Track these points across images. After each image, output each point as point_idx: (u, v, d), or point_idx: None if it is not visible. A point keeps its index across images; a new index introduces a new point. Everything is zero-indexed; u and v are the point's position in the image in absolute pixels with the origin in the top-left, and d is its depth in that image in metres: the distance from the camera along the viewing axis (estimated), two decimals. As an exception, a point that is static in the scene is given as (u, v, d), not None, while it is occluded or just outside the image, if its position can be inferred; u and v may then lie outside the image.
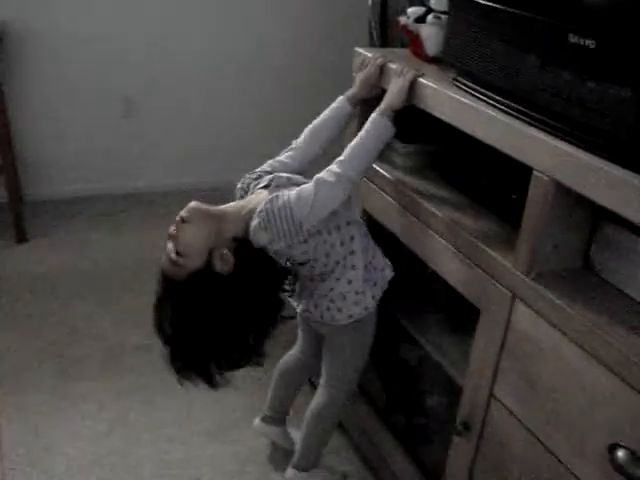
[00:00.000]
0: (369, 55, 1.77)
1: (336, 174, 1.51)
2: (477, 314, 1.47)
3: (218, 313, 1.55)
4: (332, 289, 1.68)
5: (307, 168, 1.72)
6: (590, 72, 1.15)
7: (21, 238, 3.33)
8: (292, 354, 2.08)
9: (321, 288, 1.69)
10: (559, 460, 1.28)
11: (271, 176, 1.62)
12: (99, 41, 3.59)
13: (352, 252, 1.65)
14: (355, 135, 1.58)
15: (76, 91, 3.67)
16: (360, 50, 1.82)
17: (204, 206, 1.57)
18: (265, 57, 3.98)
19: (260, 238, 1.53)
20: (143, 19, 3.66)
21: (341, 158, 1.54)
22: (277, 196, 1.51)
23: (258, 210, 1.52)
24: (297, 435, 2.11)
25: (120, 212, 3.75)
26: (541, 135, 1.24)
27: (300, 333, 2.03)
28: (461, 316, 1.67)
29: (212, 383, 1.65)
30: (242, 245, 1.54)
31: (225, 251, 1.52)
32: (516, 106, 1.33)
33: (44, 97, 3.62)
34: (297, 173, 1.68)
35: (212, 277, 1.53)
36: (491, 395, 1.46)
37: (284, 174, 1.63)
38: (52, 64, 3.57)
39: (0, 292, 2.93)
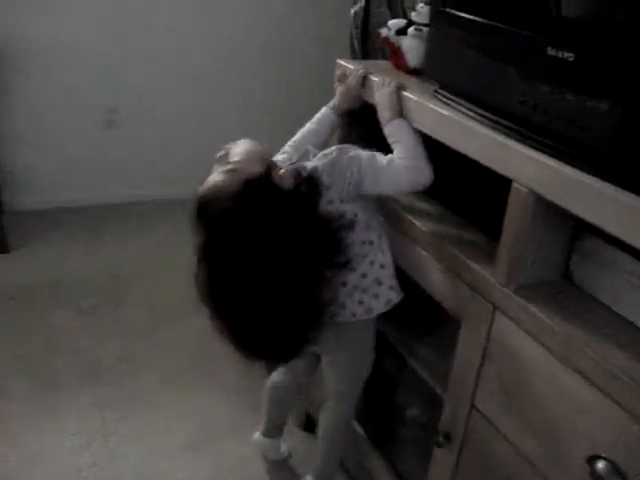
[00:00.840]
0: (350, 67, 1.77)
1: (413, 162, 1.50)
2: (458, 326, 1.47)
3: (283, 240, 1.37)
4: (365, 275, 1.61)
5: None
6: (569, 85, 1.15)
7: (2, 249, 3.30)
8: (281, 373, 2.00)
9: (352, 279, 1.61)
10: (540, 471, 1.29)
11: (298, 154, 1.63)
12: (82, 52, 3.58)
13: (381, 236, 1.62)
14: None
15: (58, 102, 3.65)
16: (341, 62, 1.82)
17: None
18: (248, 65, 4.00)
19: (324, 176, 1.49)
20: (126, 30, 3.65)
21: (402, 157, 1.52)
22: (346, 147, 1.53)
23: (327, 152, 1.52)
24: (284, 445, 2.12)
25: (102, 222, 3.73)
26: (520, 147, 1.24)
27: None
28: (442, 328, 1.67)
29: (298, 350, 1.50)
30: (300, 176, 1.48)
31: (283, 170, 1.45)
32: (496, 118, 1.33)
33: (25, 107, 3.60)
34: None
35: (272, 188, 1.41)
36: (472, 406, 1.46)
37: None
38: (34, 75, 3.55)
39: (-21, 303, 2.90)
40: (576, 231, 1.31)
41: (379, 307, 1.66)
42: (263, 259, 1.36)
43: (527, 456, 1.31)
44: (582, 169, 1.13)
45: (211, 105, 3.98)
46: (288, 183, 1.43)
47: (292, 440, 2.24)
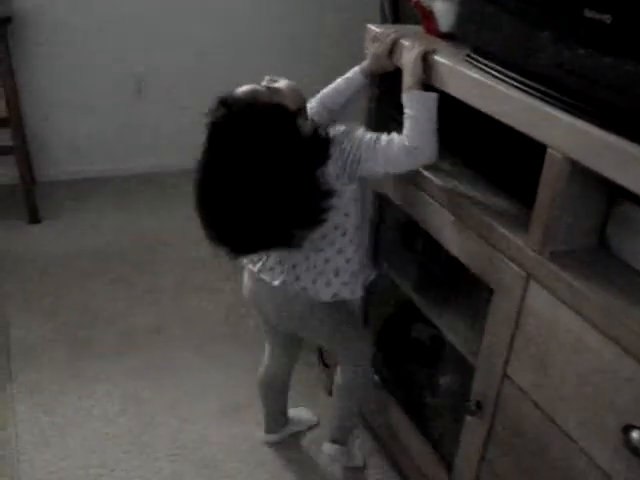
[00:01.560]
0: (381, 31, 1.74)
1: (417, 142, 1.52)
2: (491, 294, 1.46)
3: (276, 162, 1.47)
4: (328, 261, 1.68)
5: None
6: (606, 48, 1.12)
7: (34, 219, 3.34)
8: (266, 365, 2.08)
9: (314, 259, 1.67)
10: (573, 440, 1.28)
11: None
12: (111, 21, 3.58)
13: (357, 230, 1.67)
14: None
15: (88, 71, 3.65)
16: (372, 27, 1.80)
17: None
18: (281, 29, 3.96)
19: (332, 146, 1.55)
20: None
21: (409, 136, 1.53)
22: (352, 127, 1.59)
23: (337, 126, 1.59)
24: (301, 413, 2.20)
25: (132, 192, 3.76)
26: (555, 112, 1.21)
27: (269, 342, 2.03)
28: (475, 296, 1.65)
29: (291, 242, 1.56)
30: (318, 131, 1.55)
31: (309, 120, 1.56)
32: (530, 83, 1.30)
33: (56, 77, 3.61)
34: None
35: (292, 125, 1.50)
36: (504, 375, 1.45)
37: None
38: (64, 45, 3.55)
39: (14, 273, 2.94)
40: (612, 197, 1.28)
41: (325, 295, 1.72)
42: (257, 166, 1.46)
43: (560, 426, 1.30)
44: (619, 134, 1.10)
45: (243, 71, 3.95)
46: (307, 131, 1.51)
47: (320, 407, 2.28)
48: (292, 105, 1.51)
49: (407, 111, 1.54)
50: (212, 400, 2.36)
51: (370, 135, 1.56)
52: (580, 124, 1.16)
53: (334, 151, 1.54)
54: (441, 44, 1.67)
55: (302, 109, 1.55)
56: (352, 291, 1.74)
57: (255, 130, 1.45)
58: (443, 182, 1.61)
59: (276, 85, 1.54)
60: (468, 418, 1.61)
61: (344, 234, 1.66)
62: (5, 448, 2.09)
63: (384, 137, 1.55)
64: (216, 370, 2.48)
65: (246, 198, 1.47)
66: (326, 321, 1.80)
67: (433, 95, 1.52)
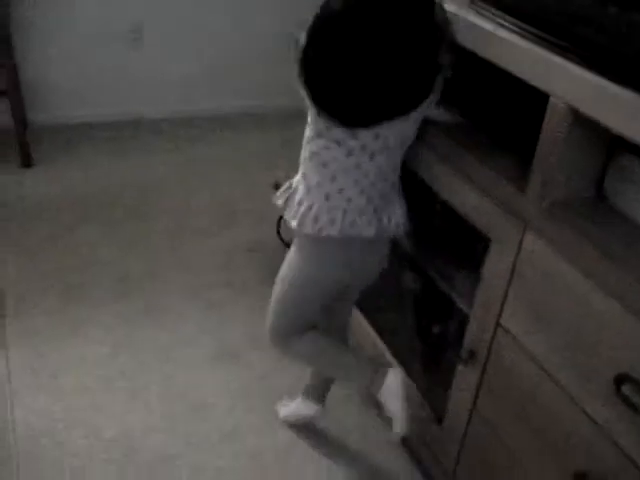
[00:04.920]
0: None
1: None
2: (487, 245, 1.46)
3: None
4: (394, 186, 1.59)
5: None
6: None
7: (26, 163, 3.31)
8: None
9: (384, 188, 1.57)
10: (564, 390, 1.29)
11: None
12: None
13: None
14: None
15: (83, 15, 3.59)
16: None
17: None
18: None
19: None
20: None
21: None
22: None
23: None
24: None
25: (126, 138, 3.72)
26: (560, 60, 1.20)
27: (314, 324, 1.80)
28: (471, 247, 1.66)
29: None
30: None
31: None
32: (535, 30, 1.28)
33: (50, 21, 3.54)
34: None
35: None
36: (498, 324, 1.46)
37: None
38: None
39: (6, 217, 2.92)
40: (612, 148, 1.28)
41: (399, 229, 1.63)
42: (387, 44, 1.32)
43: (552, 375, 1.32)
44: (623, 84, 1.09)
45: (241, 16, 3.90)
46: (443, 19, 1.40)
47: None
48: None
49: None
50: (205, 346, 2.37)
51: None
52: (584, 73, 1.15)
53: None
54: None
55: None
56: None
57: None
58: (439, 132, 1.60)
59: None
60: (460, 368, 1.62)
61: (393, 185, 1.58)
62: (-1, 392, 2.11)
63: None
64: (209, 316, 2.49)
65: (373, 68, 1.34)
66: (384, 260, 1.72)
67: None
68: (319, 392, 2.02)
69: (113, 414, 2.07)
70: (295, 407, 2.07)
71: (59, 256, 2.73)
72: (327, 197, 1.51)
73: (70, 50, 3.65)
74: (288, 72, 1.68)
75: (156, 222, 3.01)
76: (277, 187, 1.65)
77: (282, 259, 1.71)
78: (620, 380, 1.15)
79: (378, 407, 1.89)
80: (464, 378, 1.62)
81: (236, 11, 3.87)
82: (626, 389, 1.14)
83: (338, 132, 1.44)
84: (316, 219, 1.53)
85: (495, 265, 1.44)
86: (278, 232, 2.79)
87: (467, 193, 1.50)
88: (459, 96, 1.73)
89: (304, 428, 2.08)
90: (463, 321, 1.62)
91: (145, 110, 3.91)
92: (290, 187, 1.61)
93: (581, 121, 1.19)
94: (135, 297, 2.55)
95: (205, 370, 2.27)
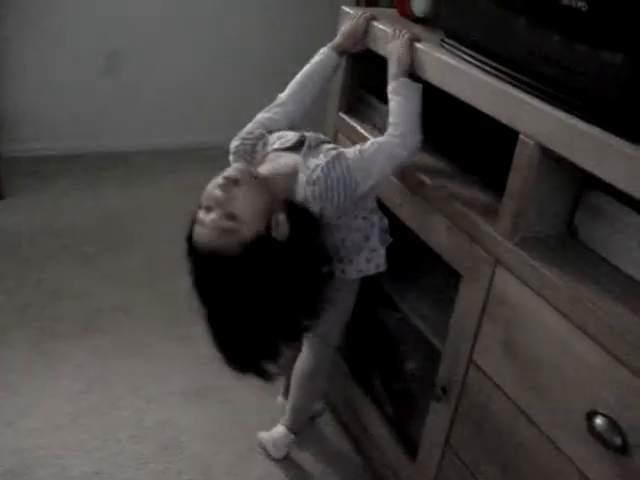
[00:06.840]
0: (354, 12, 1.74)
1: (400, 134, 1.47)
2: (459, 280, 1.46)
3: (275, 286, 1.38)
4: (344, 240, 1.62)
5: (297, 123, 1.66)
6: (581, 35, 1.13)
7: (-2, 195, 3.28)
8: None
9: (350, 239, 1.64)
10: (537, 427, 1.29)
11: (297, 136, 1.53)
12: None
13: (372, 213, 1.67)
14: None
15: (58, 45, 3.58)
16: (346, 8, 1.79)
17: (251, 167, 1.47)
18: (258, 9, 3.92)
19: (314, 205, 1.43)
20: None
21: (393, 123, 1.49)
22: (334, 162, 1.43)
23: (312, 176, 1.42)
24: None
25: (100, 171, 3.69)
26: (529, 99, 1.22)
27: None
28: (443, 282, 1.66)
29: (266, 376, 1.53)
30: (295, 209, 1.41)
31: (282, 216, 1.37)
32: (505, 69, 1.31)
33: (24, 50, 3.53)
34: (287, 129, 1.61)
35: (269, 245, 1.36)
36: (470, 360, 1.46)
37: (313, 134, 1.56)
38: (34, 17, 3.47)
39: (-24, 250, 2.88)
40: (582, 186, 1.29)
41: (351, 273, 1.70)
42: (259, 295, 1.39)
43: (524, 411, 1.31)
44: (591, 122, 1.11)
45: (214, 51, 3.92)
46: (285, 231, 1.37)
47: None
48: (257, 226, 1.36)
49: (392, 98, 1.51)
50: (179, 382, 2.34)
51: (351, 155, 1.46)
52: (553, 111, 1.17)
53: (321, 202, 1.43)
54: (415, 28, 1.66)
55: (271, 213, 1.38)
56: (377, 265, 1.71)
57: (235, 278, 1.37)
58: (414, 168, 1.61)
59: (235, 216, 1.35)
60: (434, 404, 1.61)
61: (372, 225, 1.66)
62: (-34, 427, 2.06)
63: (369, 147, 1.47)
64: (184, 352, 2.46)
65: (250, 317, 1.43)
66: (346, 298, 1.81)
67: (418, 85, 1.51)
68: (297, 422, 2.04)
69: (83, 452, 2.03)
70: (273, 432, 2.07)
71: (31, 290, 2.69)
72: None
73: (43, 80, 3.63)
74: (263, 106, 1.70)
75: (130, 255, 2.98)
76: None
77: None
78: (592, 416, 1.15)
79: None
80: (437, 414, 1.61)
81: (223, 37, 3.90)
82: (598, 425, 1.13)
83: None
84: None
85: (466, 301, 1.44)
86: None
87: (438, 228, 1.51)
88: (434, 133, 1.75)
89: (278, 464, 2.06)
90: (437, 358, 1.62)
91: (119, 142, 3.90)
92: None
93: (550, 158, 1.20)
94: (108, 332, 2.52)
95: (178, 407, 2.23)
